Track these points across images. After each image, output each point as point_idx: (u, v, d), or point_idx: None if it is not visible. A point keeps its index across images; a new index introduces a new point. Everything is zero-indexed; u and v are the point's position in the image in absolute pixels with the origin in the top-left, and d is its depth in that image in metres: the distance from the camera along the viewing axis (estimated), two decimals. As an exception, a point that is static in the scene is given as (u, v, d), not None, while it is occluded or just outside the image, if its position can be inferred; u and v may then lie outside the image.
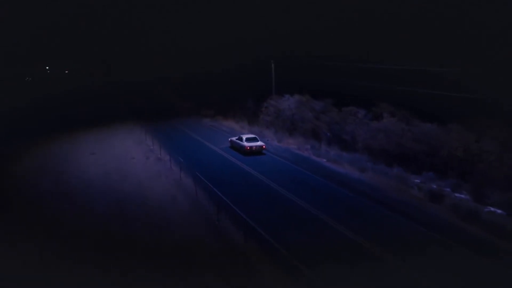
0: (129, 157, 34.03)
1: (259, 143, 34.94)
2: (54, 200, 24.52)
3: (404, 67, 46.85)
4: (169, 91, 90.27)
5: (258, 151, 34.56)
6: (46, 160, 34.43)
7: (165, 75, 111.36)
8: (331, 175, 29.19)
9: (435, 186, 28.91)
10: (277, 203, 23.45)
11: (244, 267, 16.36)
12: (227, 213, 21.42)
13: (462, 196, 27.34)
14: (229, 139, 37.95)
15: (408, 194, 26.23)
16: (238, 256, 17.20)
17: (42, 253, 17.36)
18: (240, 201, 23.51)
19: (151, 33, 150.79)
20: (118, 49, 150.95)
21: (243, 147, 34.41)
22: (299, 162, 32.13)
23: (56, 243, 18.63)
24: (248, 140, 34.80)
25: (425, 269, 15.89)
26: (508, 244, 18.17)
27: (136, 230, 19.90)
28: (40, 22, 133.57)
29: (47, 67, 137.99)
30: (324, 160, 33.52)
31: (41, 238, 19.11)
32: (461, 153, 32.87)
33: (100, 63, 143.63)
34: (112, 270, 16.10)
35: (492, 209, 23.80)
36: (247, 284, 15.36)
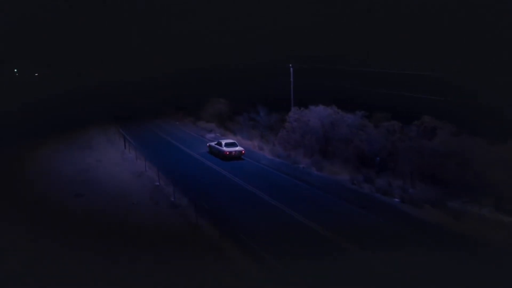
0: (131, 201, 22.47)
1: (238, 148, 32.54)
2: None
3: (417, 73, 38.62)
4: (167, 94, 77.42)
5: (238, 156, 32.00)
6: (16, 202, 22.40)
7: (162, 74, 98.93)
8: (438, 233, 18.88)
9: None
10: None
11: None
12: None
13: None
14: (208, 144, 35.37)
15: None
16: None
17: None
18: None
19: (147, 32, 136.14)
20: (112, 48, 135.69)
21: (222, 152, 31.92)
22: (375, 210, 21.53)
23: None
24: (227, 145, 32.45)
25: None
26: None
27: None
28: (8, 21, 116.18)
29: (15, 70, 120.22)
30: (397, 200, 23.26)
31: None
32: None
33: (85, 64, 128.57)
34: None
35: None
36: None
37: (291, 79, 36.80)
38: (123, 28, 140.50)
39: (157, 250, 16.76)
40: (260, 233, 18.19)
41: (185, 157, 33.95)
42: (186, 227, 19.12)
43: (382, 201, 23.10)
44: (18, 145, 39.13)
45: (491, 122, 31.58)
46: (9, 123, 53.02)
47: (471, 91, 37.62)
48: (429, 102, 34.80)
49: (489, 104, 34.18)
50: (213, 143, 34.15)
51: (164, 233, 18.48)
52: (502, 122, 31.10)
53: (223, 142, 32.90)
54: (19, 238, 18.09)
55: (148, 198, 23.02)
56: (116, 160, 31.92)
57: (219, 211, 20.84)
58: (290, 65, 36.63)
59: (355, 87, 38.69)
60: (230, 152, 31.71)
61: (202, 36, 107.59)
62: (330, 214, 20.64)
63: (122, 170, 28.75)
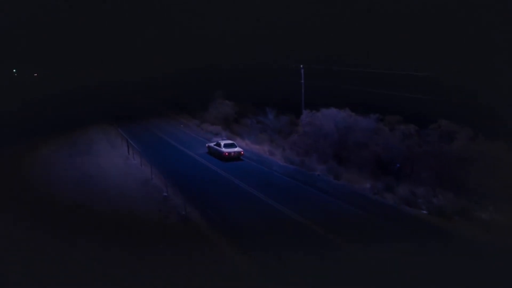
0: (138, 213, 20.37)
1: (237, 149, 32.06)
2: None
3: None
4: (167, 94, 74.97)
5: (236, 157, 31.44)
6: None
7: (162, 74, 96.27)
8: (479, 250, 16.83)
9: None
10: None
11: None
12: None
13: None
14: (207, 144, 34.82)
15: None
16: None
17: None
18: None
19: (147, 32, 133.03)
20: (112, 48, 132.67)
21: (221, 153, 31.44)
22: (403, 224, 19.54)
23: None
24: (226, 146, 31.93)
25: None
26: None
27: None
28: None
29: (14, 70, 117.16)
30: (424, 211, 21.26)
31: None
32: None
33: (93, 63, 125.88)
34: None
35: None
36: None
37: (302, 81, 34.68)
38: (123, 28, 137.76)
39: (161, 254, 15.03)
40: (280, 248, 16.14)
41: (192, 162, 31.77)
42: (199, 242, 17.05)
43: (408, 213, 21.06)
44: (16, 146, 37.18)
45: (494, 122, 30.11)
46: (8, 123, 50.96)
47: (471, 91, 36.16)
48: (429, 102, 33.34)
49: (489, 105, 32.77)
50: (212, 144, 33.65)
51: (167, 238, 16.45)
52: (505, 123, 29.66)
53: (222, 143, 32.41)
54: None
55: (156, 210, 20.90)
56: (119, 166, 29.67)
57: (234, 224, 18.82)
58: (302, 66, 34.47)
59: (356, 88, 36.91)
60: (229, 153, 31.27)
61: (203, 36, 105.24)
62: (356, 228, 18.59)
63: (127, 177, 26.51)
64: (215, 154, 32.40)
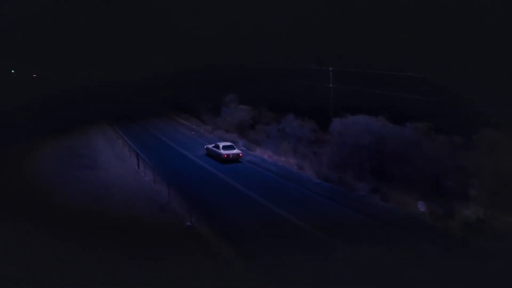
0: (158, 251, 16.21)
1: (236, 151, 31.64)
2: None
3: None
4: (167, 94, 70.90)
5: (235, 159, 30.95)
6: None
7: (162, 74, 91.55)
8: None
9: None
10: None
11: None
12: None
13: None
14: (205, 146, 34.23)
15: None
16: None
17: None
18: None
19: (147, 31, 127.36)
20: (112, 48, 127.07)
21: (220, 155, 31.01)
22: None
23: None
24: (225, 148, 31.49)
25: None
26: None
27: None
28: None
29: (13, 71, 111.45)
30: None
31: None
32: None
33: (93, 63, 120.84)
34: None
35: None
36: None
37: (331, 85, 30.52)
38: (123, 28, 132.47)
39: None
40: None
41: (216, 179, 27.24)
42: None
43: (484, 250, 16.98)
44: (13, 149, 34.45)
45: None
46: (7, 124, 47.08)
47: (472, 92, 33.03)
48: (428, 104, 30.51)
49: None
50: (210, 146, 33.18)
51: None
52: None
53: (221, 144, 32.01)
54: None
55: (178, 246, 16.76)
56: (130, 184, 25.21)
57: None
58: (330, 68, 30.28)
59: (357, 89, 33.46)
60: (228, 155, 30.85)
61: (203, 36, 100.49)
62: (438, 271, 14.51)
63: (140, 201, 22.14)
64: (214, 155, 31.89)
